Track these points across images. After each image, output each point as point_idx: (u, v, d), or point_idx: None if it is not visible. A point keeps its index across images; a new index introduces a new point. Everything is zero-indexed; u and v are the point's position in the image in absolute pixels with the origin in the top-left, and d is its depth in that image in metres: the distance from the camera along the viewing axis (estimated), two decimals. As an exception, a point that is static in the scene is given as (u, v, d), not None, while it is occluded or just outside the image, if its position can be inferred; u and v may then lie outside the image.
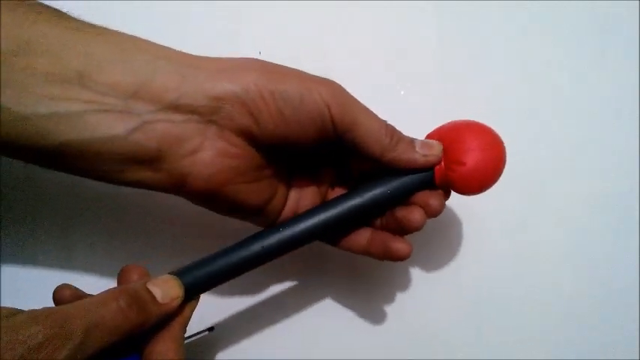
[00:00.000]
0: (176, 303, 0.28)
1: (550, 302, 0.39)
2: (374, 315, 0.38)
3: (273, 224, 0.33)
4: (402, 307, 0.39)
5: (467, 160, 0.30)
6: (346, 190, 0.33)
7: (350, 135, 0.30)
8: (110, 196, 0.37)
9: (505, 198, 0.39)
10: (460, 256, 0.39)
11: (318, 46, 0.39)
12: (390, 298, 0.39)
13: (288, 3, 0.39)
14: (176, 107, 0.27)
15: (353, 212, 0.31)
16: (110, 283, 0.37)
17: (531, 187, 0.40)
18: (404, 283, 0.39)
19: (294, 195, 0.33)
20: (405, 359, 0.38)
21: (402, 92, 0.39)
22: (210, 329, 0.35)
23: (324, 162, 0.34)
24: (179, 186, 0.29)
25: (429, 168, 0.31)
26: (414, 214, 0.31)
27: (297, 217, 0.32)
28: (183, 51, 0.29)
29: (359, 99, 0.30)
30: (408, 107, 0.39)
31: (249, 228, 0.32)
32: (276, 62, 0.30)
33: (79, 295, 0.29)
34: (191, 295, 0.29)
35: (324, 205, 0.32)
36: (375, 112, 0.30)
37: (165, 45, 0.29)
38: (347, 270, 0.39)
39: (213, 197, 0.30)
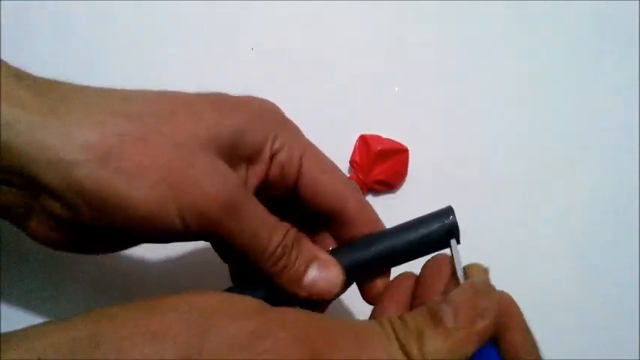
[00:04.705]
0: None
1: (550, 302, 0.39)
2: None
3: None
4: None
5: None
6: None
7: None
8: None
9: (505, 198, 0.39)
10: (459, 256, 0.39)
11: (317, 44, 0.39)
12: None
13: (287, 2, 0.39)
14: None
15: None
16: (111, 283, 0.38)
17: (532, 187, 0.40)
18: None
19: None
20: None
21: (396, 89, 0.39)
22: None
23: None
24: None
25: None
26: None
27: None
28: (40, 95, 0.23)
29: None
30: (401, 104, 0.39)
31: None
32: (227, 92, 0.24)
33: None
34: None
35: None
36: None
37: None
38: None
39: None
